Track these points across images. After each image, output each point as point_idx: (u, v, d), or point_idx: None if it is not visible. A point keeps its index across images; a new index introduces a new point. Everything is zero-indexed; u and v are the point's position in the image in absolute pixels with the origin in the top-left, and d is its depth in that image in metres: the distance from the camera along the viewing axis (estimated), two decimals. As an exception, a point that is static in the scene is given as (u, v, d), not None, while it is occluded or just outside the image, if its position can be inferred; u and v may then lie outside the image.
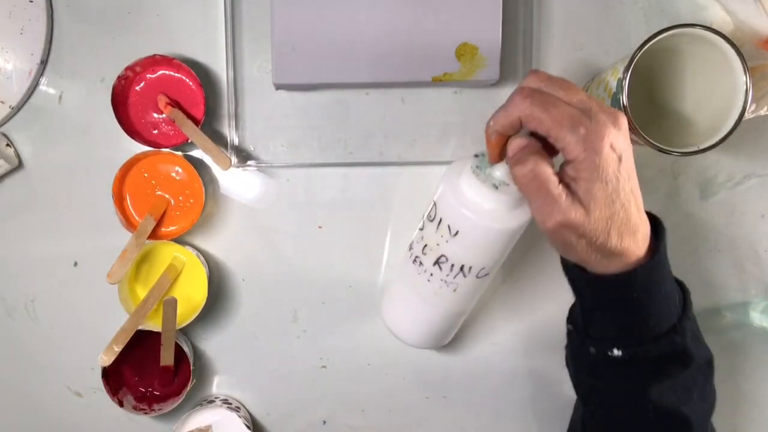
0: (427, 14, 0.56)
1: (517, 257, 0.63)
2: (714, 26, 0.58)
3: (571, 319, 0.51)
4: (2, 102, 0.60)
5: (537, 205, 0.42)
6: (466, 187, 0.47)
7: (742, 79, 0.51)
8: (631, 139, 0.53)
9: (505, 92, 0.62)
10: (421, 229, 0.51)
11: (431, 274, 0.50)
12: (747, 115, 0.51)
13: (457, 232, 0.47)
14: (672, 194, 0.63)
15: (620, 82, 0.51)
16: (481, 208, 0.46)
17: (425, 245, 0.50)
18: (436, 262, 0.49)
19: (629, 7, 0.62)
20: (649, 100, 0.59)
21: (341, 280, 0.63)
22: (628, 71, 0.50)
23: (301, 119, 0.61)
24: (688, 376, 0.46)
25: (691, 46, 0.54)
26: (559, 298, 0.64)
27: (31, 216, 0.62)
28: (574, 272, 0.47)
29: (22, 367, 0.64)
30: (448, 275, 0.50)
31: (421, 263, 0.51)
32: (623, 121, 0.42)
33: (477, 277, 0.50)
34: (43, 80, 0.61)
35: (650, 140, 0.51)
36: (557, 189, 0.41)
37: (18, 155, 0.61)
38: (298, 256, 0.63)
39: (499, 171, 0.46)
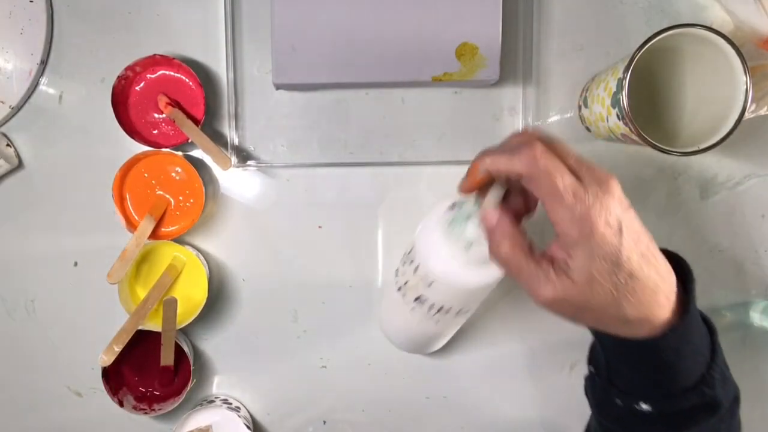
0: (427, 14, 0.56)
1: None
2: (714, 26, 0.58)
3: (592, 361, 0.49)
4: (2, 102, 0.60)
5: (521, 283, 0.41)
6: (439, 243, 0.46)
7: (742, 79, 0.51)
8: (632, 139, 0.53)
9: (505, 92, 0.62)
10: (404, 264, 0.50)
11: (413, 308, 0.50)
12: (747, 115, 0.51)
13: (432, 282, 0.47)
14: (672, 194, 0.63)
15: (620, 82, 0.51)
16: (453, 267, 0.45)
17: (406, 281, 0.50)
18: (417, 299, 0.49)
19: (629, 7, 0.62)
20: (649, 100, 0.59)
21: (341, 280, 0.63)
22: (628, 71, 0.50)
23: (301, 119, 0.61)
24: (716, 420, 0.45)
25: (691, 46, 0.54)
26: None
27: (31, 216, 0.62)
28: (598, 332, 0.45)
29: (22, 367, 0.64)
30: (428, 312, 0.50)
31: (404, 294, 0.51)
32: (614, 185, 0.40)
33: (457, 314, 0.50)
34: (43, 80, 0.61)
35: (650, 140, 0.51)
36: (537, 269, 0.40)
37: (18, 155, 0.61)
38: (298, 256, 0.63)
39: (472, 229, 0.44)
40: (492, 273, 0.45)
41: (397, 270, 0.52)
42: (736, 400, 0.48)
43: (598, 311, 0.40)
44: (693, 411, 0.44)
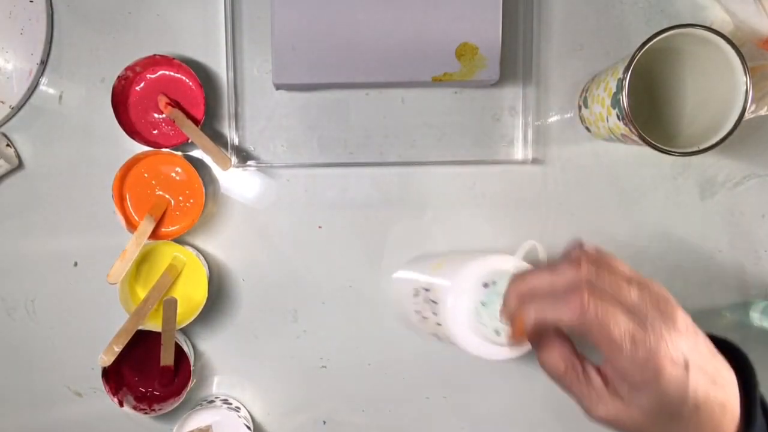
0: (427, 14, 0.56)
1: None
2: (714, 26, 0.58)
3: None
4: (2, 102, 0.60)
5: (573, 398, 0.40)
6: (468, 325, 0.44)
7: (742, 79, 0.51)
8: (631, 139, 0.53)
9: (505, 92, 0.62)
10: (424, 301, 0.49)
11: (428, 332, 0.50)
12: (747, 115, 0.51)
13: (450, 341, 0.46)
14: (672, 194, 0.63)
15: (620, 82, 0.51)
16: (477, 344, 0.44)
17: (426, 317, 0.49)
18: (434, 333, 0.49)
19: (629, 7, 0.62)
20: (649, 100, 0.59)
21: (341, 280, 0.63)
22: (628, 71, 0.50)
23: (301, 119, 0.61)
24: None
25: (691, 46, 0.54)
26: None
27: (31, 216, 0.62)
28: None
29: (22, 367, 0.64)
30: (440, 338, 0.49)
31: (420, 320, 0.50)
32: (679, 315, 0.37)
33: None
34: (43, 80, 0.61)
35: (650, 140, 0.51)
36: (590, 388, 0.38)
37: (18, 155, 0.61)
38: (298, 256, 0.63)
39: (498, 321, 0.43)
40: (514, 352, 0.44)
41: (417, 292, 0.51)
42: None
43: None
44: None
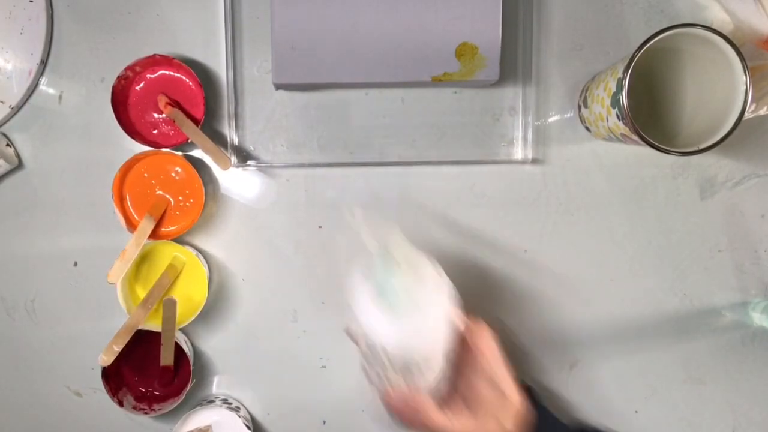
0: (427, 14, 0.56)
1: (518, 262, 0.63)
2: (714, 26, 0.58)
3: None
4: (2, 102, 0.60)
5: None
6: (389, 324, 0.46)
7: (742, 79, 0.51)
8: (631, 139, 0.53)
9: (505, 92, 0.62)
10: (373, 367, 0.50)
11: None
12: (747, 115, 0.51)
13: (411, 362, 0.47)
14: (672, 194, 0.63)
15: (620, 82, 0.51)
16: (420, 323, 0.46)
17: (387, 376, 0.50)
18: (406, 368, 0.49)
19: (629, 7, 0.62)
20: (649, 100, 0.59)
21: (341, 280, 0.63)
22: (628, 71, 0.50)
23: (301, 119, 0.61)
24: None
25: (691, 46, 0.54)
26: (557, 298, 0.64)
27: (31, 216, 0.62)
28: None
29: (22, 367, 0.64)
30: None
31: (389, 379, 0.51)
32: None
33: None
34: (43, 80, 0.61)
35: (650, 140, 0.51)
36: (445, 416, 0.50)
37: (18, 155, 0.61)
38: (298, 256, 0.63)
39: (402, 287, 0.45)
40: (440, 300, 0.47)
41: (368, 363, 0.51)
42: None
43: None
44: None
